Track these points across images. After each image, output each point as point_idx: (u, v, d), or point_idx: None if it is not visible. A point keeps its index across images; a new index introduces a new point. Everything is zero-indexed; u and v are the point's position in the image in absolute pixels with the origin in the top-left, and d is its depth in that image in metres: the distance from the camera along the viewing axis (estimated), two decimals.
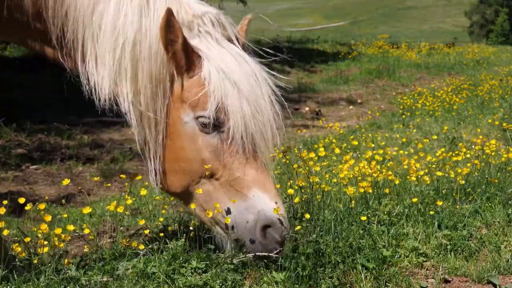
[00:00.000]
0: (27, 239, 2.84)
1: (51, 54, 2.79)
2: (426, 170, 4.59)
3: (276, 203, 2.63)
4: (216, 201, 2.69)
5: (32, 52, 2.87)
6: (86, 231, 2.99)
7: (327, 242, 2.92)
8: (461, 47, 27.45)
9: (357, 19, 77.64)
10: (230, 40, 2.80)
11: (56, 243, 2.78)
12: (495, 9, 51.47)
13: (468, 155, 5.20)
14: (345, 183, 4.11)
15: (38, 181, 6.99)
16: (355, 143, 6.98)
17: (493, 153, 4.83)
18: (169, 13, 2.53)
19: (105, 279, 2.61)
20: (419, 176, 4.45)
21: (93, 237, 3.12)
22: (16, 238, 3.64)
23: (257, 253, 2.65)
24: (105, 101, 2.66)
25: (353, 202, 3.74)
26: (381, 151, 5.20)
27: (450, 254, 3.23)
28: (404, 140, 7.91)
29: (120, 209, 2.96)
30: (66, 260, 2.77)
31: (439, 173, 4.34)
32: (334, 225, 3.20)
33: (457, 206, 3.85)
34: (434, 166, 4.71)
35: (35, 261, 2.70)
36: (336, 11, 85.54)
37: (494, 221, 3.70)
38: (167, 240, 2.86)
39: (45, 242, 2.76)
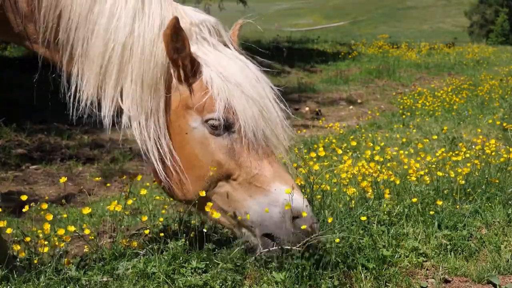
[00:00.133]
0: (27, 239, 2.84)
1: (44, 54, 2.79)
2: (426, 170, 4.59)
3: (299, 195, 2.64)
4: (236, 201, 2.69)
5: (32, 52, 2.87)
6: (86, 231, 2.99)
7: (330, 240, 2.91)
8: (461, 47, 27.42)
9: (357, 19, 77.61)
10: (226, 45, 2.81)
11: (57, 243, 2.78)
12: (495, 9, 51.43)
13: (468, 155, 5.20)
14: (345, 183, 4.11)
15: (38, 181, 7.00)
16: (354, 143, 6.98)
17: (493, 153, 4.82)
18: (176, 21, 2.51)
19: (105, 279, 2.61)
20: (419, 176, 4.45)
21: (93, 237, 3.12)
22: (16, 238, 3.64)
23: (285, 246, 2.62)
24: (85, 105, 2.65)
25: (353, 202, 3.74)
26: (378, 148, 5.19)
27: (450, 254, 3.24)
28: (404, 140, 7.91)
29: (119, 208, 2.97)
30: (66, 260, 2.78)
31: (439, 173, 4.34)
32: (334, 225, 3.20)
33: (457, 206, 3.84)
34: (434, 166, 4.71)
35: (35, 261, 2.70)
36: (336, 11, 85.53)
37: (494, 221, 3.70)
38: (168, 240, 2.86)
39: (45, 242, 2.76)
